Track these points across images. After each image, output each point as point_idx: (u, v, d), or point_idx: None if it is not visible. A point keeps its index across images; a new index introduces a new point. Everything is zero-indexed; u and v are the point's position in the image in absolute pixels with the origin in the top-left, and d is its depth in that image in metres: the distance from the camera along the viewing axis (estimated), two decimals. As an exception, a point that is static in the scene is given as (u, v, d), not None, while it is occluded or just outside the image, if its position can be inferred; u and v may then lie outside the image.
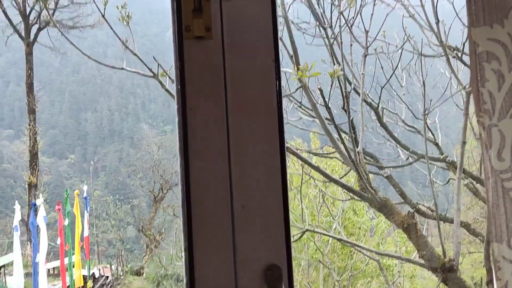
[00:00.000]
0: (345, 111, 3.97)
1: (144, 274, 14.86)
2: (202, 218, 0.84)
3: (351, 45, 4.25)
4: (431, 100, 5.06)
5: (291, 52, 2.76)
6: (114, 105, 36.68)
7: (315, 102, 2.79)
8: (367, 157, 4.13)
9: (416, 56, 4.48)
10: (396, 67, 3.79)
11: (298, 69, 2.44)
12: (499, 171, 0.88)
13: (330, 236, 4.62)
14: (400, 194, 4.02)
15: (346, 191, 6.05)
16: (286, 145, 3.11)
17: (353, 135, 2.99)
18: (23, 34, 18.64)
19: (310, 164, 3.13)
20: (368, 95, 4.53)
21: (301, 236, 3.83)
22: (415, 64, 4.90)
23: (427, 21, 4.00)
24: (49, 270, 15.26)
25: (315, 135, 7.17)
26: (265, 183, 0.86)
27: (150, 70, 3.20)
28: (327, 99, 3.63)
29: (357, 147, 2.92)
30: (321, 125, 2.92)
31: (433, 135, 4.81)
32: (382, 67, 4.73)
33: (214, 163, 0.84)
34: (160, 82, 3.43)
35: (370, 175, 7.20)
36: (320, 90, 2.63)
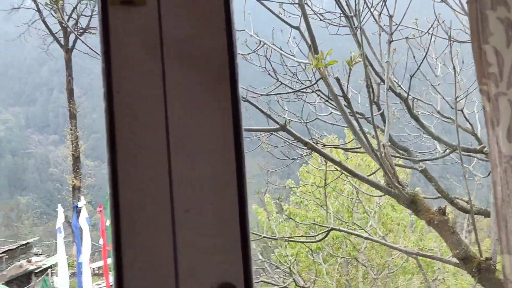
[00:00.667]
0: (375, 103, 3.83)
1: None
2: (134, 225, 0.68)
3: (380, 34, 4.10)
4: (467, 90, 4.82)
5: (310, 42, 2.66)
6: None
7: (335, 93, 2.67)
8: (400, 151, 3.97)
9: (451, 43, 4.27)
10: (426, 54, 3.61)
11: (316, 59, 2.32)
12: (510, 157, 0.64)
13: (354, 234, 4.46)
14: (436, 188, 3.85)
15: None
16: (311, 140, 3.00)
17: (375, 127, 2.85)
18: (62, 42, 19.27)
19: (331, 160, 3.02)
20: (400, 85, 4.36)
21: (326, 235, 3.71)
22: (450, 52, 4.68)
23: (460, 4, 3.79)
24: (94, 269, 15.71)
25: (349, 130, 7.02)
26: (216, 182, 0.69)
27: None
28: (354, 91, 3.51)
29: (383, 140, 2.78)
30: (343, 118, 2.80)
31: (471, 125, 4.57)
32: (414, 56, 4.54)
33: (149, 158, 0.68)
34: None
35: (407, 170, 6.97)
36: (337, 79, 2.51)
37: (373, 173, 3.89)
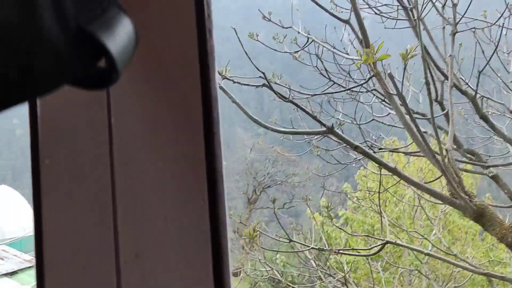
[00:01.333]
0: (438, 103, 3.51)
1: (241, 275, 15.06)
2: (60, 278, 0.49)
3: (443, 27, 3.76)
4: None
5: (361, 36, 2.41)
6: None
7: (388, 91, 2.41)
8: (467, 155, 3.60)
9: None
10: (496, 48, 3.23)
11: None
12: None
13: (412, 249, 4.11)
14: (510, 196, 3.45)
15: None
16: (364, 143, 2.74)
17: (436, 128, 2.55)
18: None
19: (385, 166, 2.74)
20: (467, 83, 3.99)
21: (381, 249, 3.41)
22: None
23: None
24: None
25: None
26: (179, 215, 0.48)
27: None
28: (415, 89, 3.21)
29: (446, 144, 2.48)
30: (400, 120, 2.52)
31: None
32: (483, 51, 4.14)
33: (85, 190, 0.49)
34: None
35: (476, 175, 6.44)
36: (390, 75, 2.25)
37: (436, 179, 3.55)
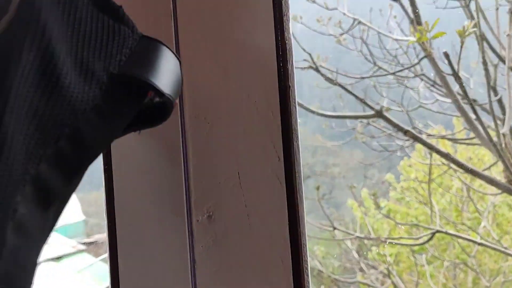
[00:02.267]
0: (492, 88, 3.31)
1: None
2: (132, 235, 0.48)
3: (497, 8, 3.53)
4: None
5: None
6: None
7: (443, 72, 2.26)
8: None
9: None
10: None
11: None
12: None
13: (465, 239, 3.91)
14: None
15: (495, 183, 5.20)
16: (413, 130, 2.61)
17: (493, 110, 2.38)
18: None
19: (437, 151, 2.60)
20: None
21: (431, 238, 3.26)
22: None
23: None
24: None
25: (458, 120, 6.33)
26: (252, 178, 0.47)
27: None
28: (465, 74, 3.03)
29: (502, 128, 2.31)
30: (453, 102, 2.37)
31: None
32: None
33: (158, 149, 0.48)
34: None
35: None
36: (446, 54, 2.10)
37: (488, 168, 3.35)
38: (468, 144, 4.88)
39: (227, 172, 0.45)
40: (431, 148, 2.51)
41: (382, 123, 3.74)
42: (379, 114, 2.51)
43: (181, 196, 0.46)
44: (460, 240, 6.50)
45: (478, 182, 6.31)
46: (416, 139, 2.53)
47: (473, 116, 2.38)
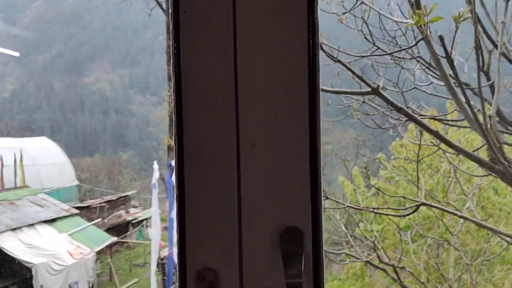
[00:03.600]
0: (484, 73, 3.41)
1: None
2: (196, 159, 0.64)
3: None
4: None
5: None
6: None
7: (437, 55, 2.36)
8: (510, 128, 3.52)
9: None
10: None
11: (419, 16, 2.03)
12: None
13: (448, 212, 4.07)
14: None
15: (482, 168, 5.36)
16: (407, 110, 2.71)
17: (482, 96, 2.49)
18: (164, 6, 19.98)
19: (428, 129, 2.70)
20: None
21: (415, 210, 3.42)
22: None
23: None
24: (183, 226, 16.66)
25: (451, 104, 6.42)
26: (286, 116, 0.62)
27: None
28: (460, 59, 3.13)
29: (490, 110, 2.43)
30: (445, 84, 2.47)
31: None
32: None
33: (215, 85, 0.61)
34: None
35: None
36: (441, 38, 2.19)
37: (476, 150, 3.48)
38: (458, 126, 5.01)
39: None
40: (422, 126, 2.62)
41: (377, 101, 3.85)
42: (375, 91, 2.61)
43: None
44: (445, 220, 6.68)
45: (465, 165, 6.46)
46: (409, 117, 2.64)
47: (463, 99, 2.49)
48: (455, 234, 6.12)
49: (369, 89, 2.62)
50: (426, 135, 4.77)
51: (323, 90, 2.87)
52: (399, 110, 2.58)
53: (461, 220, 6.53)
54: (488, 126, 2.33)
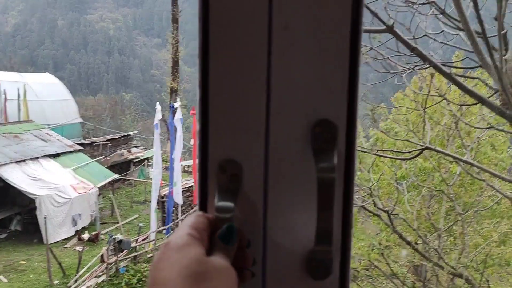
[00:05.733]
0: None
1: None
2: (222, 41, 0.61)
3: None
4: None
5: None
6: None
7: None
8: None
9: None
10: None
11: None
12: None
13: (452, 156, 4.15)
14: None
15: (484, 120, 5.41)
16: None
17: (500, 37, 2.51)
18: None
19: (440, 70, 2.73)
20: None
21: (419, 153, 3.51)
22: None
23: None
24: (184, 167, 16.94)
25: (457, 57, 6.38)
26: None
27: None
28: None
29: (506, 54, 2.46)
30: (461, 23, 2.48)
31: None
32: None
33: None
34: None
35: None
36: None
37: (490, 95, 3.46)
38: (466, 77, 5.02)
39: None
40: (435, 67, 2.65)
41: (384, 49, 3.85)
42: (389, 29, 2.62)
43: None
44: (443, 172, 6.82)
45: (467, 118, 6.52)
46: (422, 57, 2.66)
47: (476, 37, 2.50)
48: (450, 185, 6.29)
49: (384, 27, 2.61)
50: (431, 91, 4.80)
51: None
52: (412, 49, 2.60)
53: (456, 173, 6.69)
54: (504, 69, 2.36)
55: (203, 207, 0.64)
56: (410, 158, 4.19)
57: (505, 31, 3.37)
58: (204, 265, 0.51)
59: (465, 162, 3.77)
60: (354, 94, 0.60)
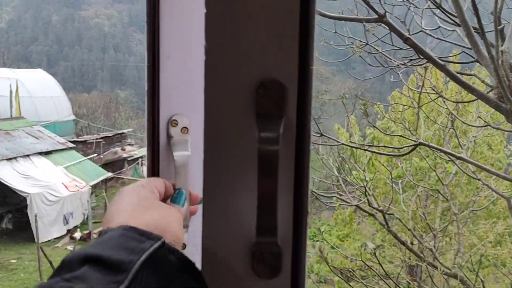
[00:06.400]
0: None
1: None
2: None
3: None
4: None
5: None
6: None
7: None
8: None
9: None
10: None
11: None
12: None
13: (446, 152, 4.07)
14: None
15: (480, 118, 5.32)
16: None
17: (496, 29, 2.41)
18: None
19: (434, 62, 2.62)
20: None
21: (413, 149, 3.41)
22: None
23: None
24: (178, 165, 16.79)
25: (454, 54, 6.26)
26: None
27: None
28: None
29: (502, 45, 2.36)
30: (458, 16, 2.38)
31: None
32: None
33: None
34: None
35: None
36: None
37: (488, 92, 3.36)
38: (463, 74, 4.93)
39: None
40: (428, 58, 2.55)
41: (379, 44, 3.74)
42: (381, 19, 2.52)
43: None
44: (439, 172, 6.74)
45: (464, 116, 6.42)
46: (415, 47, 2.56)
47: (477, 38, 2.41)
48: (445, 184, 6.20)
49: (376, 16, 2.50)
50: (427, 89, 4.70)
51: (327, 16, 2.77)
52: (406, 40, 2.49)
53: (452, 172, 6.60)
54: (500, 61, 2.27)
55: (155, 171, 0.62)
56: (404, 154, 4.08)
57: (502, 26, 3.26)
58: (154, 202, 0.55)
59: (459, 158, 3.67)
60: (308, 51, 0.50)
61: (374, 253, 3.79)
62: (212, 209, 0.55)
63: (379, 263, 3.88)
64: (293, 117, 0.50)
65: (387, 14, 2.49)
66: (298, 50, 0.49)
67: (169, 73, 0.58)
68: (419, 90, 5.00)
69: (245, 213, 0.52)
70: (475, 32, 2.80)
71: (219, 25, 0.52)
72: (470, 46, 2.55)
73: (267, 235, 0.50)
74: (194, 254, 0.59)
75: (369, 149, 4.42)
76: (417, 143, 2.91)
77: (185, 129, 0.61)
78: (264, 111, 0.49)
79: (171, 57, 0.56)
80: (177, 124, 0.61)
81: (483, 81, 3.82)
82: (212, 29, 0.52)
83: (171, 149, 0.59)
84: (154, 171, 0.62)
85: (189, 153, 0.58)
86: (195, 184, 0.59)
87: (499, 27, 3.15)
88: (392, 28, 2.56)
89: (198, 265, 0.61)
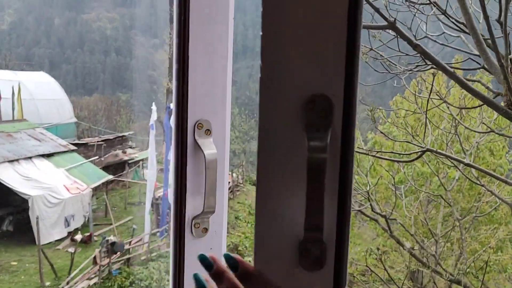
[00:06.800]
0: (499, 23, 3.33)
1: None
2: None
3: None
4: None
5: None
6: (249, 22, 37.25)
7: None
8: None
9: None
10: None
11: None
12: None
13: (453, 159, 4.09)
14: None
15: (484, 124, 5.32)
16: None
17: (506, 36, 2.43)
18: None
19: (443, 68, 2.63)
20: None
21: (420, 155, 3.42)
22: None
23: None
24: (179, 169, 16.80)
25: (457, 60, 6.29)
26: None
27: None
28: (476, 8, 3.06)
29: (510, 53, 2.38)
30: (466, 23, 2.40)
31: None
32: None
33: None
34: None
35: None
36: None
37: (497, 95, 3.37)
38: (470, 80, 4.95)
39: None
40: (438, 64, 2.57)
41: (383, 49, 3.77)
42: (391, 26, 2.54)
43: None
44: (441, 178, 6.74)
45: (467, 122, 6.43)
46: (425, 54, 2.58)
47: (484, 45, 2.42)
48: (449, 190, 6.20)
49: (386, 23, 2.52)
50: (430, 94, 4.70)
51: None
52: (415, 46, 2.51)
53: (455, 178, 6.61)
54: (509, 69, 2.28)
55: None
56: (411, 161, 4.10)
57: (509, 32, 3.28)
58: None
59: (467, 165, 3.68)
60: (353, 68, 0.54)
61: (380, 259, 3.79)
62: (264, 211, 0.60)
63: (385, 268, 3.88)
64: (339, 128, 0.56)
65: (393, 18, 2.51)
66: (345, 66, 0.55)
67: (196, 82, 0.68)
68: (423, 96, 5.01)
69: (294, 214, 0.57)
70: (484, 39, 2.82)
71: (273, 48, 0.56)
72: (475, 52, 2.57)
73: (314, 233, 0.56)
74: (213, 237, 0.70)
75: (376, 155, 4.43)
76: (424, 149, 2.92)
77: (208, 131, 0.69)
78: (312, 123, 0.56)
79: (198, 66, 0.68)
80: (202, 127, 0.70)
81: (487, 87, 3.83)
82: (267, 49, 0.57)
83: (201, 148, 0.66)
84: (182, 169, 0.70)
85: (216, 151, 0.65)
86: (219, 179, 0.68)
87: (508, 33, 3.17)
88: (401, 35, 2.58)
89: (223, 251, 0.69)
